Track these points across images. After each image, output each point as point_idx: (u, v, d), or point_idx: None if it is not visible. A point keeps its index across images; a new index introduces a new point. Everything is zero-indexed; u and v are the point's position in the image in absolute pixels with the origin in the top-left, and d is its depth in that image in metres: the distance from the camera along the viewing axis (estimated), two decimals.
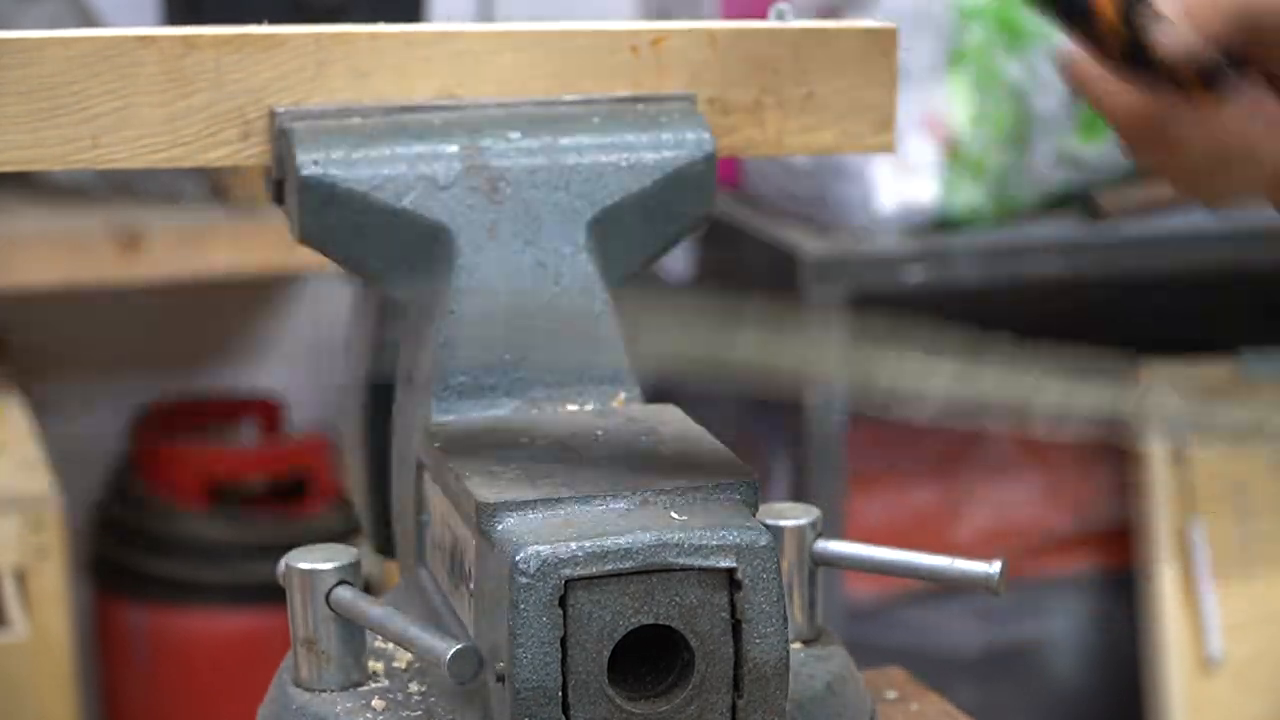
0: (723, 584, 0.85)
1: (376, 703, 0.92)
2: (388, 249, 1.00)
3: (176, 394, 2.81)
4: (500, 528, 0.85)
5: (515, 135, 1.03)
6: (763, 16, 1.13)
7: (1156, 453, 2.69)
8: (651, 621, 0.84)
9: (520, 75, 1.06)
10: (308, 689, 0.93)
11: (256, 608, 2.53)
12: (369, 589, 0.95)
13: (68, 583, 2.03)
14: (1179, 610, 2.66)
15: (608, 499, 0.87)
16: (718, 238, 2.51)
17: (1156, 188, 2.51)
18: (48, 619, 2.00)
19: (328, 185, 1.00)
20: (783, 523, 0.99)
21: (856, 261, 2.36)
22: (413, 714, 0.91)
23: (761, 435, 2.54)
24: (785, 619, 0.85)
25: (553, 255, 1.01)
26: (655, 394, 1.04)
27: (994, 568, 0.96)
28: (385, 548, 1.10)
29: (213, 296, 2.75)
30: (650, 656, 0.86)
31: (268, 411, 2.79)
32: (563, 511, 0.87)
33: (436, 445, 0.95)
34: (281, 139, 1.02)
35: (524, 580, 0.82)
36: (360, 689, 0.93)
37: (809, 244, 2.36)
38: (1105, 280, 2.62)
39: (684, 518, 0.86)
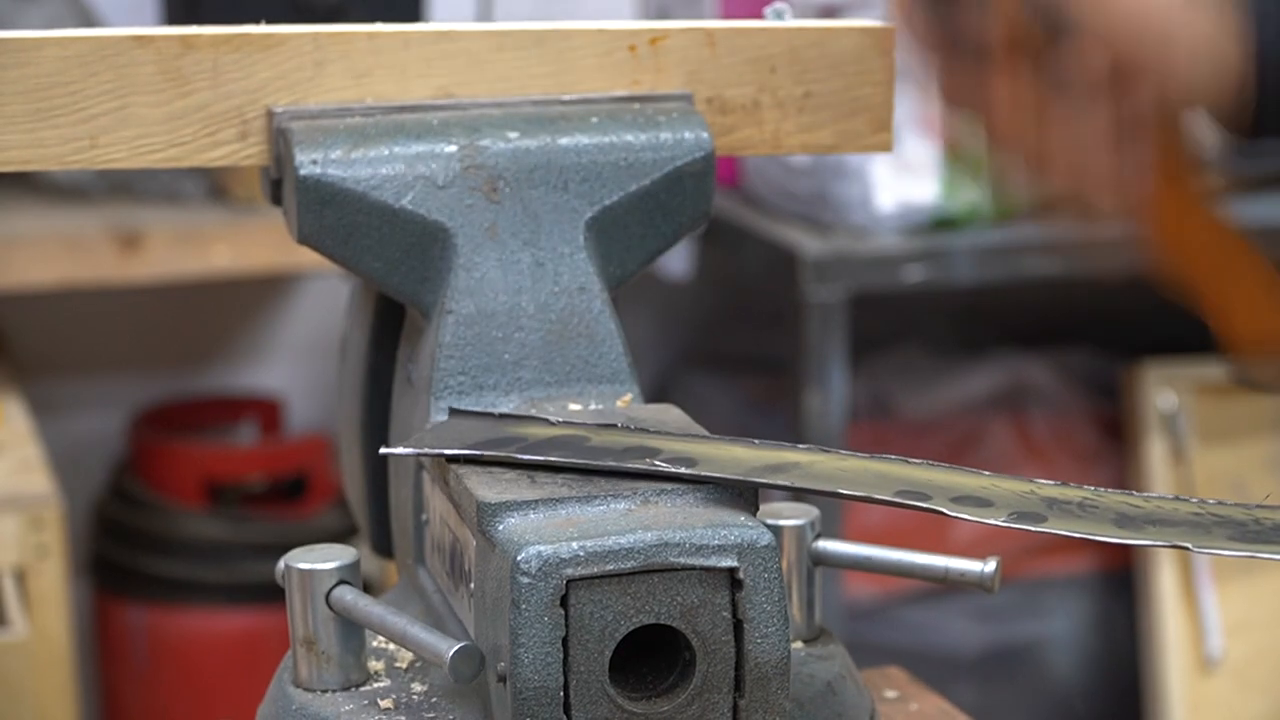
0: (724, 584, 0.85)
1: (381, 703, 0.92)
2: (386, 249, 1.00)
3: (176, 394, 2.81)
4: (501, 528, 0.85)
5: (514, 135, 1.03)
6: (762, 16, 1.13)
7: (1156, 452, 2.69)
8: (653, 621, 0.84)
9: (518, 75, 1.06)
10: (307, 689, 0.93)
11: (255, 607, 2.53)
12: (368, 589, 0.95)
13: (67, 582, 2.03)
14: (1178, 610, 2.66)
15: (609, 499, 0.87)
16: (717, 237, 2.51)
17: None
18: (47, 618, 2.00)
19: (326, 185, 1.00)
20: (782, 522, 0.99)
21: (856, 261, 2.36)
22: (413, 714, 0.91)
23: (761, 435, 2.54)
24: (787, 618, 0.85)
25: (551, 255, 1.01)
26: (655, 394, 1.04)
27: (989, 566, 0.96)
28: (382, 548, 1.09)
29: (212, 296, 2.75)
30: (651, 656, 0.86)
31: (267, 411, 2.79)
32: (564, 511, 0.87)
33: None
34: (280, 139, 1.02)
35: (525, 580, 0.82)
36: (361, 689, 0.93)
37: (808, 243, 2.36)
38: (1103, 280, 2.62)
39: (685, 517, 0.86)
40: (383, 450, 0.98)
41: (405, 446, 0.95)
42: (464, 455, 0.93)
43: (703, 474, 0.90)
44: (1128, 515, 0.88)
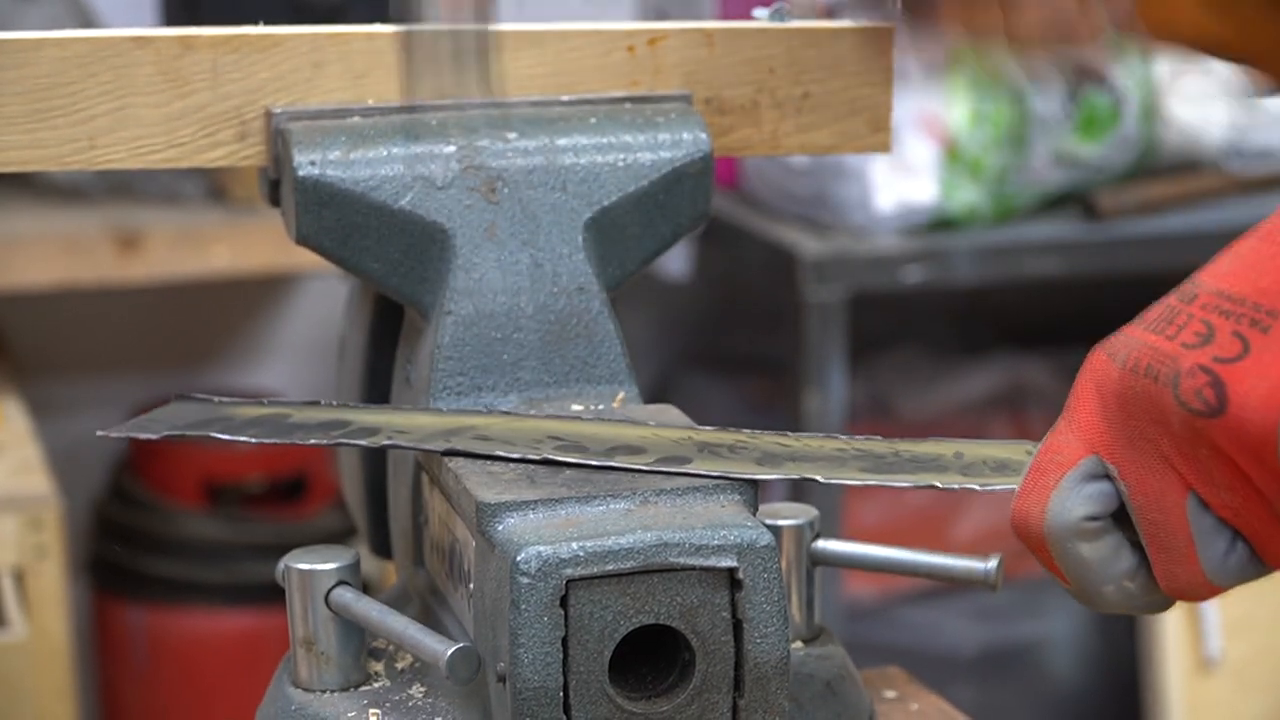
0: (723, 584, 0.85)
1: (380, 704, 0.92)
2: (385, 249, 1.00)
3: (176, 394, 2.80)
4: (500, 528, 0.85)
5: (512, 135, 1.03)
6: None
7: None
8: (652, 621, 0.84)
9: (517, 75, 1.06)
10: (307, 689, 0.93)
11: (255, 608, 2.53)
12: (367, 590, 0.95)
13: (66, 583, 2.03)
14: (1177, 610, 2.66)
15: (608, 499, 0.87)
16: (716, 238, 2.51)
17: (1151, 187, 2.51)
18: (46, 619, 2.00)
19: (325, 186, 0.99)
20: (781, 522, 0.99)
21: (855, 262, 2.36)
22: (412, 715, 0.91)
23: None
24: (786, 618, 0.85)
25: (550, 255, 1.01)
26: (654, 394, 1.04)
27: (990, 564, 0.96)
28: (381, 548, 1.09)
29: (212, 296, 2.75)
30: (651, 656, 0.86)
31: None
32: (563, 511, 0.87)
33: None
34: (278, 139, 1.02)
35: (525, 581, 0.82)
36: (360, 690, 0.93)
37: (807, 244, 2.37)
38: (1104, 280, 2.62)
39: (684, 518, 0.86)
40: (99, 432, 1.01)
41: (118, 430, 1.00)
42: (171, 436, 0.97)
43: (382, 443, 0.93)
44: (772, 454, 0.91)
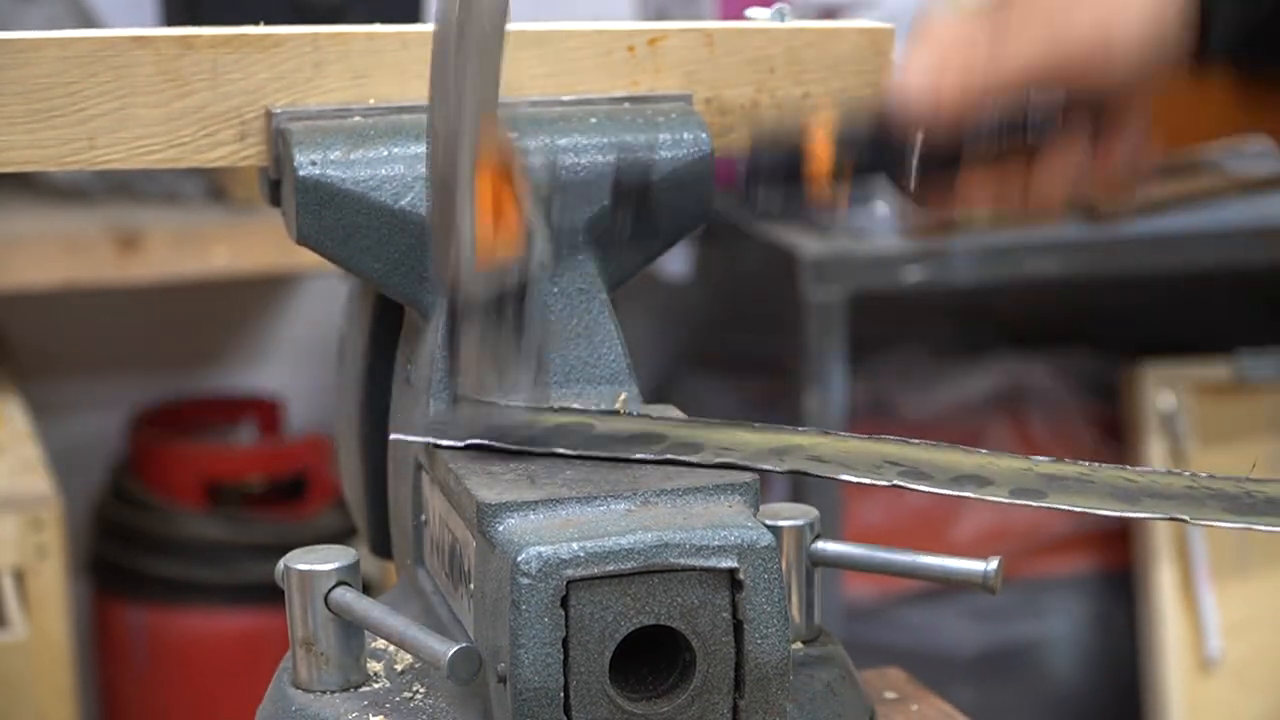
0: (724, 584, 0.85)
1: (380, 705, 0.92)
2: (385, 249, 1.00)
3: (176, 394, 2.81)
4: (501, 529, 0.85)
5: (513, 136, 1.02)
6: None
7: (1155, 453, 2.69)
8: (653, 622, 0.84)
9: (517, 75, 1.06)
10: (307, 690, 0.93)
11: (255, 608, 2.53)
12: (367, 590, 0.95)
13: (67, 583, 2.03)
14: (1177, 610, 2.66)
15: (609, 499, 0.87)
16: (717, 238, 2.51)
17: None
18: (47, 619, 2.00)
19: (325, 186, 0.99)
20: (781, 523, 0.99)
21: (855, 262, 2.36)
22: (412, 716, 0.91)
23: None
24: (786, 619, 0.85)
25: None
26: (654, 395, 1.04)
27: (990, 566, 0.96)
28: (381, 548, 1.09)
29: (212, 296, 2.75)
30: (651, 657, 0.86)
31: (267, 411, 2.79)
32: (564, 512, 0.86)
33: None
34: (279, 139, 1.02)
35: (525, 581, 0.82)
36: (360, 690, 0.93)
37: (807, 244, 2.37)
38: (1103, 280, 2.62)
39: (685, 518, 0.86)
40: (393, 436, 0.98)
41: (412, 434, 0.96)
42: (470, 445, 0.93)
43: (708, 460, 0.91)
44: (1124, 489, 0.90)
